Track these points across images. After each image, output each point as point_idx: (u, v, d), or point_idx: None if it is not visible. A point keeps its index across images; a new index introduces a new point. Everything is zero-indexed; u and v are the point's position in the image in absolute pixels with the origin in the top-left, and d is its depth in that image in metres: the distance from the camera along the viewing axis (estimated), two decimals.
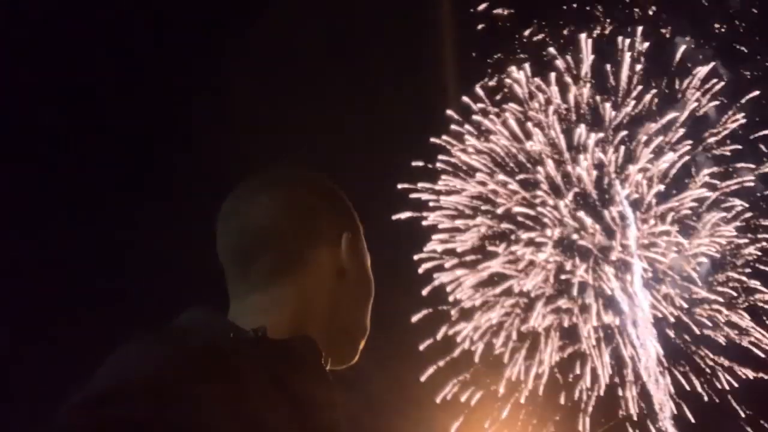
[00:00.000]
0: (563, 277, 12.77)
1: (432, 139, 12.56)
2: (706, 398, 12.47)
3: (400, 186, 12.40)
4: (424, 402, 11.92)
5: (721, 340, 12.48)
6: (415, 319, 12.26)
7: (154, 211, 9.42)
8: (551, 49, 12.33)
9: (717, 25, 11.98)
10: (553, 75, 12.41)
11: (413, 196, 12.53)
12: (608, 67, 12.37)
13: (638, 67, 12.29)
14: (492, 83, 12.45)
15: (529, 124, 12.57)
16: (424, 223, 12.61)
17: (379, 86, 10.93)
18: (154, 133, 10.28)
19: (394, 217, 12.26)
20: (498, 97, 12.55)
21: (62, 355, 8.44)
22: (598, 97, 12.47)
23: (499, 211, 12.75)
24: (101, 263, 9.81)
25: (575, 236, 12.71)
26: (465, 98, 12.48)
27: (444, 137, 12.60)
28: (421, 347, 12.34)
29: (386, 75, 11.02)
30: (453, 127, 12.63)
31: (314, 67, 10.86)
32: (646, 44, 12.19)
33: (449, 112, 12.51)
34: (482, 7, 11.95)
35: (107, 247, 9.71)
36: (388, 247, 10.81)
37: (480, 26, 12.04)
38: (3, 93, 8.80)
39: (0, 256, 8.89)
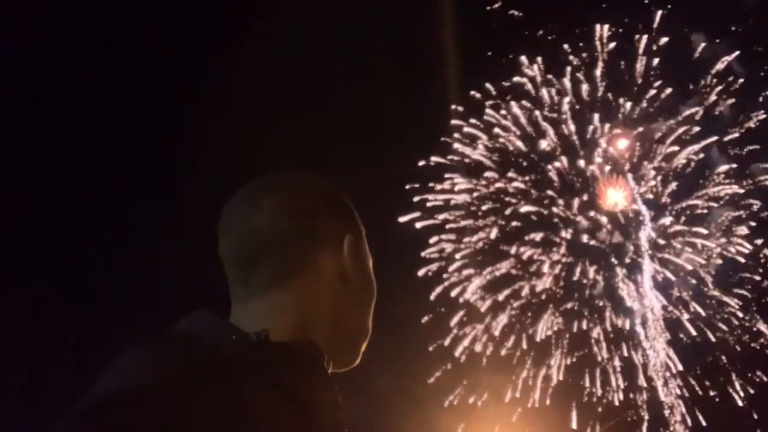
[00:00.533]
0: (574, 278, 12.64)
1: (442, 138, 12.49)
2: (717, 400, 12.35)
3: (408, 186, 12.31)
4: (431, 404, 11.76)
5: (734, 342, 12.34)
6: (423, 320, 12.19)
7: (154, 213, 9.34)
8: (565, 46, 12.23)
9: (733, 27, 11.84)
10: (567, 71, 12.31)
11: (422, 197, 12.42)
12: (623, 63, 12.26)
13: (654, 64, 12.17)
14: (506, 83, 12.37)
15: (542, 121, 12.47)
16: (431, 222, 12.49)
17: (385, 88, 10.84)
18: (166, 138, 10.18)
19: (401, 219, 12.17)
20: (509, 97, 12.48)
21: (63, 360, 8.52)
22: (610, 95, 12.37)
23: (508, 211, 12.65)
24: (101, 268, 9.76)
25: (586, 236, 12.58)
26: (476, 94, 12.38)
27: (455, 135, 12.50)
28: (430, 348, 12.26)
29: (393, 76, 10.92)
30: (460, 124, 12.54)
31: (317, 69, 10.78)
32: (663, 41, 12.05)
33: (459, 108, 12.40)
34: (496, 5, 11.80)
35: (107, 252, 9.68)
36: (396, 249, 10.78)
37: (494, 24, 11.89)
38: (6, 94, 8.75)
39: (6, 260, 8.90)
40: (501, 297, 12.55)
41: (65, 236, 9.46)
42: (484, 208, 12.65)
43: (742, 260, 12.29)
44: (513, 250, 12.59)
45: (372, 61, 10.71)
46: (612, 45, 12.19)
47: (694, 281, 12.45)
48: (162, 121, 10.10)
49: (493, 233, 12.61)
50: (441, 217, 12.51)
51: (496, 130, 12.52)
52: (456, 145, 12.54)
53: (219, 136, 9.92)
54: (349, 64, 10.70)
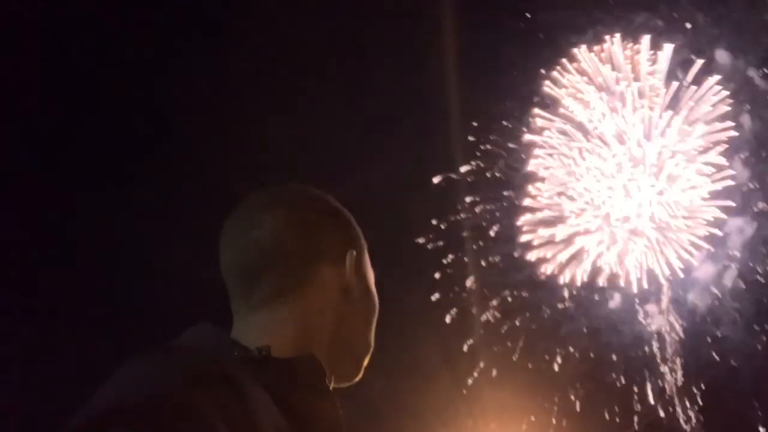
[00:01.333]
0: (592, 299, 12.45)
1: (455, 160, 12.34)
2: (735, 422, 12.10)
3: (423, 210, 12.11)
4: (443, 429, 11.57)
5: (756, 365, 11.99)
6: (433, 348, 11.92)
7: (158, 225, 9.31)
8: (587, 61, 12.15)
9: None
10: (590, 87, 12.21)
11: (438, 216, 12.26)
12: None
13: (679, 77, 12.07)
14: (528, 99, 12.31)
15: (566, 138, 12.36)
16: (447, 243, 12.33)
17: (398, 103, 10.88)
18: (160, 145, 10.14)
19: (417, 240, 12.01)
20: (530, 113, 12.36)
21: (64, 369, 8.43)
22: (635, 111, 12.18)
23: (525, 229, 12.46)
24: (103, 277, 9.72)
25: (600, 262, 12.38)
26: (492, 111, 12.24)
27: (476, 153, 12.40)
28: (443, 371, 11.99)
29: (406, 90, 10.86)
30: (477, 140, 12.42)
31: (321, 77, 10.73)
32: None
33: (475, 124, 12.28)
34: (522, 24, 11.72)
35: (110, 260, 9.65)
36: (410, 270, 10.71)
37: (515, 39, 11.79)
38: None
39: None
40: (518, 320, 12.41)
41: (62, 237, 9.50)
42: (501, 227, 12.53)
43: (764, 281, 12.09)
44: (530, 271, 12.46)
45: (384, 75, 10.66)
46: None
47: (716, 302, 12.26)
48: (168, 132, 10.07)
49: (512, 253, 12.47)
50: (457, 236, 12.39)
51: (515, 146, 12.43)
52: (473, 163, 12.43)
53: (222, 148, 9.88)
54: (361, 78, 10.66)
